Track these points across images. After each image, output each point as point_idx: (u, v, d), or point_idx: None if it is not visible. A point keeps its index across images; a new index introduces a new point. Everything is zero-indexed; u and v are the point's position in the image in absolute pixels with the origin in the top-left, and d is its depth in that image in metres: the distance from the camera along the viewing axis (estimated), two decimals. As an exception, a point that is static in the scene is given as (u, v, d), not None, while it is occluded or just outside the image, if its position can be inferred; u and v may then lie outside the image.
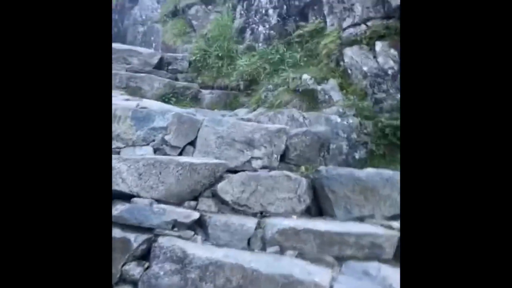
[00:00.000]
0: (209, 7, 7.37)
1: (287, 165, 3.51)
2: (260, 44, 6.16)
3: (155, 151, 2.96)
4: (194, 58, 6.30)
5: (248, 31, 6.46)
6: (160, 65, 6.32)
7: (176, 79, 5.99)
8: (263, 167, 3.32)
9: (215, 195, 2.81)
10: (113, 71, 5.01)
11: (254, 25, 6.40)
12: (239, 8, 6.80)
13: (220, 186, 2.80)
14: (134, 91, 4.84)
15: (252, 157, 3.26)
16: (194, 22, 7.30)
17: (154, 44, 7.72)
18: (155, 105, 4.27)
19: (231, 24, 6.62)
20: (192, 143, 3.11)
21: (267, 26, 6.24)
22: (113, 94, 4.14)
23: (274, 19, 6.19)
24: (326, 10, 5.32)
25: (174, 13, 7.84)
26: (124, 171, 2.57)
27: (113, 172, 2.55)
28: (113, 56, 5.96)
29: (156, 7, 8.39)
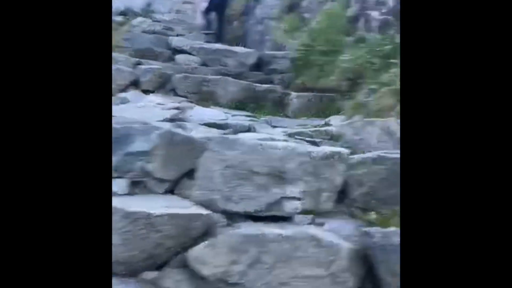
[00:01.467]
0: (324, -4, 6.09)
1: (348, 209, 2.18)
2: (372, 34, 4.68)
3: (133, 185, 1.99)
4: (296, 55, 5.15)
5: (362, 19, 5.02)
6: (259, 65, 5.36)
7: (271, 81, 4.95)
8: (305, 212, 2.07)
9: (187, 266, 1.70)
10: (190, 74, 4.22)
11: (368, 11, 4.94)
12: (355, -8, 5.38)
13: (194, 252, 1.67)
14: (206, 97, 3.96)
15: (284, 197, 2.04)
16: (306, 15, 6.12)
17: (268, 44, 6.80)
18: (209, 113, 3.32)
19: (344, 13, 5.26)
20: (191, 175, 2.04)
21: (384, 11, 4.73)
22: (160, 101, 3.32)
23: (391, 0, 4.65)
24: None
25: (291, 8, 6.76)
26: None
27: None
28: (208, 57, 5.23)
29: (276, 3, 7.43)
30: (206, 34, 8.41)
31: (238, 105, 3.98)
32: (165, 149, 1.99)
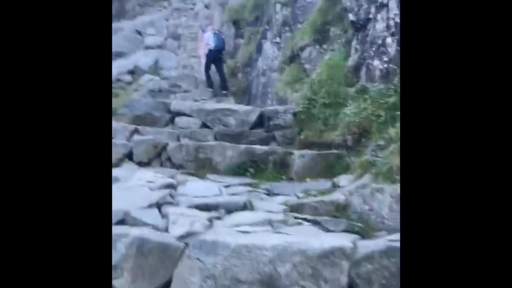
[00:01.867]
0: (324, 46, 5.86)
1: (358, 312, 1.78)
2: (376, 84, 4.37)
3: (101, 305, 1.65)
4: (298, 109, 4.87)
5: (363, 69, 4.74)
6: (261, 121, 5.09)
7: (273, 138, 4.66)
8: (306, 322, 1.68)
9: None
10: (181, 141, 3.96)
11: (369, 60, 4.66)
12: (354, 42, 5.13)
13: None
14: (203, 164, 3.66)
15: (279, 308, 1.67)
16: (307, 66, 5.89)
17: (270, 96, 6.57)
18: (202, 188, 3.00)
19: (344, 63, 5.00)
20: None
21: (385, 59, 4.44)
22: (151, 177, 3.02)
23: (393, 49, 4.37)
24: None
25: (291, 59, 6.56)
26: None
27: None
28: (208, 117, 4.99)
29: (277, 55, 7.28)
30: (210, 88, 8.30)
31: (237, 170, 3.66)
32: (134, 261, 1.66)
